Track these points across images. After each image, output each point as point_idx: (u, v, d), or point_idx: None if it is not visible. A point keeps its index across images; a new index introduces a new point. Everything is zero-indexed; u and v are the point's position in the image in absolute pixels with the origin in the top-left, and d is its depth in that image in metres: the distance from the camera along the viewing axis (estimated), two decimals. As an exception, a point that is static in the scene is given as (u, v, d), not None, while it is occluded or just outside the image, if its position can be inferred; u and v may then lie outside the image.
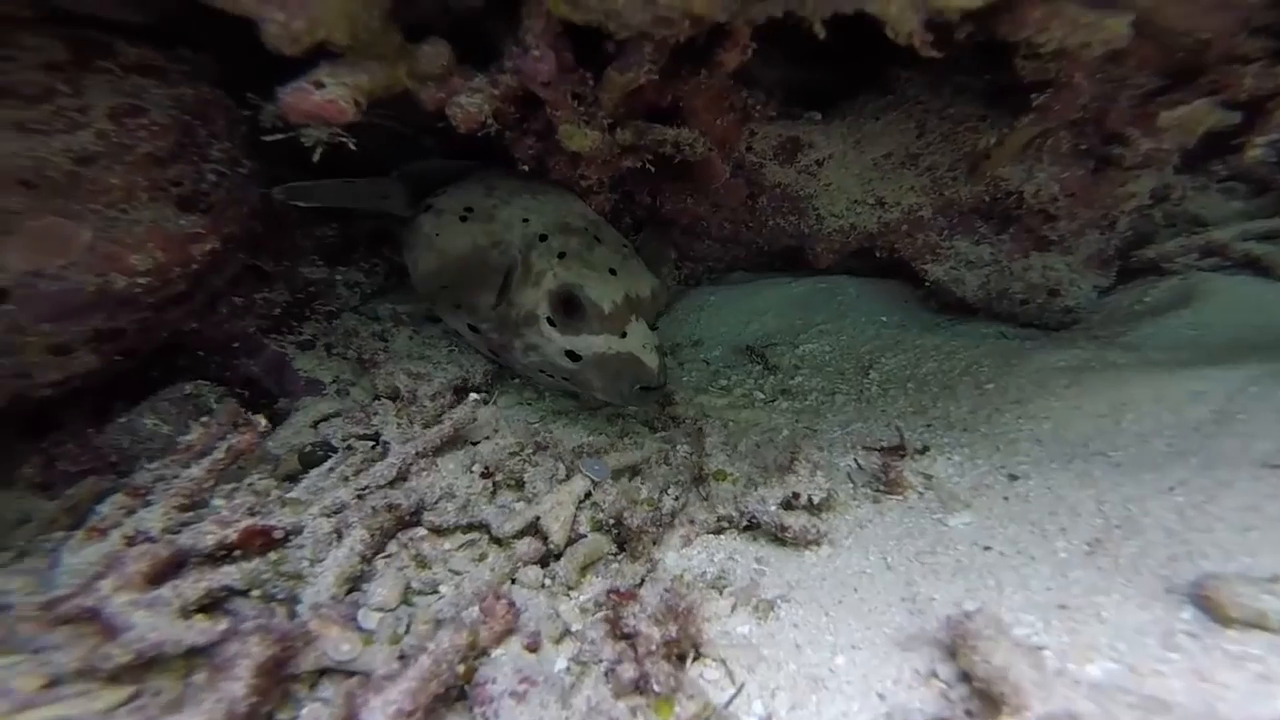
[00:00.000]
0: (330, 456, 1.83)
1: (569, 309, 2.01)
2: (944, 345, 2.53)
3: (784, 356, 2.82)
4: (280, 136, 1.67)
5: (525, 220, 2.22)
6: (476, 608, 1.39)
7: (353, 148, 1.69)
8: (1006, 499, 1.63)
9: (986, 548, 1.51)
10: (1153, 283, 2.86)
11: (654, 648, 1.29)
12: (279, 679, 1.07)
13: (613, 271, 2.06)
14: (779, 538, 1.63)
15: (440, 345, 2.54)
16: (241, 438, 1.60)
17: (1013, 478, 1.70)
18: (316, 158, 1.69)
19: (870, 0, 1.43)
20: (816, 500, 1.67)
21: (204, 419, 1.70)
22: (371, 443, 1.95)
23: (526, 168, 2.39)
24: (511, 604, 1.30)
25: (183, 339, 2.19)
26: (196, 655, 1.11)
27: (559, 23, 1.64)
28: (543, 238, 2.15)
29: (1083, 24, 1.17)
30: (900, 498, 1.70)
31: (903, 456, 1.81)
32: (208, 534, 1.32)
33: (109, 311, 1.76)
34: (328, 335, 2.61)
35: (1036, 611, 1.31)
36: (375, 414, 2.07)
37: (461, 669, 1.12)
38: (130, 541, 1.31)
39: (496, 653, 1.26)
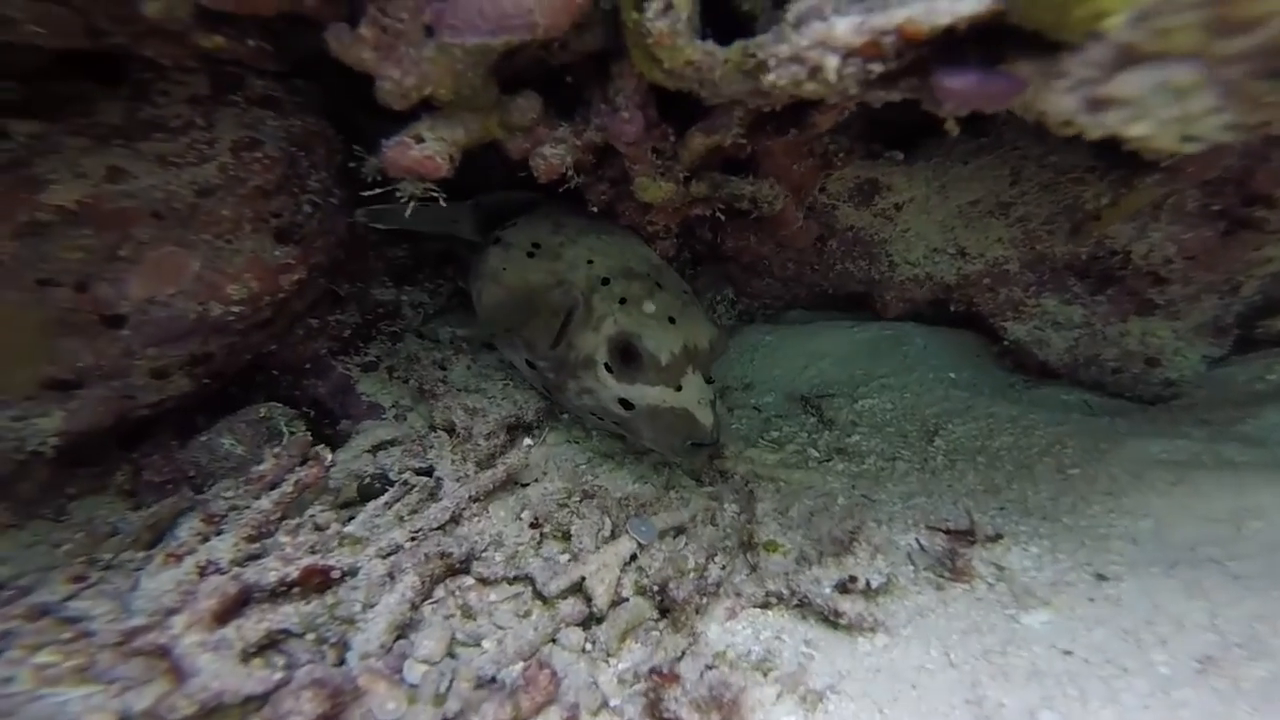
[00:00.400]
0: (387, 490, 1.88)
1: (626, 358, 2.00)
2: (1021, 418, 2.37)
3: (841, 410, 2.72)
4: (379, 191, 1.73)
5: (590, 262, 2.23)
6: (518, 667, 1.38)
7: (443, 203, 1.73)
8: (1092, 600, 1.50)
9: (1067, 652, 1.39)
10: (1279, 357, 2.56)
11: (694, 736, 1.25)
12: (325, 738, 1.10)
13: (672, 320, 2.04)
14: (831, 621, 1.56)
15: (495, 377, 2.57)
16: (309, 472, 1.67)
17: (1101, 578, 1.56)
18: (409, 213, 1.75)
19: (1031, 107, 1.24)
20: (875, 585, 1.58)
21: (276, 450, 1.78)
22: (426, 477, 1.99)
23: (596, 209, 2.41)
24: (554, 674, 1.29)
25: (262, 360, 2.30)
26: (251, 701, 1.15)
27: (648, 85, 1.64)
28: (605, 281, 2.15)
29: (1264, 104, 0.98)
30: (967, 587, 1.59)
31: (972, 543, 1.70)
32: (271, 570, 1.37)
33: (204, 337, 1.87)
34: (391, 357, 2.69)
35: (1133, 732, 1.19)
36: (431, 447, 2.12)
37: (500, 745, 1.11)
38: (202, 571, 1.39)
39: (536, 724, 1.25)
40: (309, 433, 2.16)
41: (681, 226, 2.57)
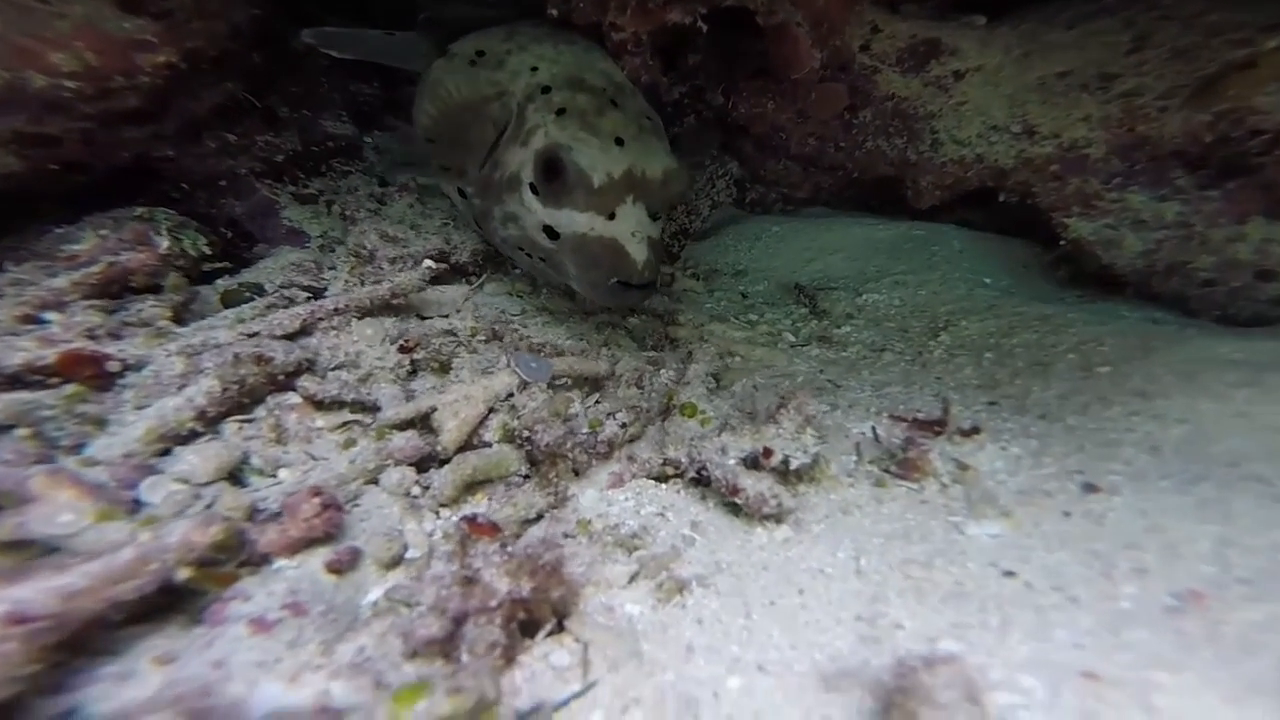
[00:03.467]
0: (254, 299, 1.60)
1: (551, 174, 1.61)
2: (1055, 317, 1.87)
3: (839, 303, 2.27)
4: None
5: (534, 69, 1.83)
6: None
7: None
8: (1068, 514, 1.11)
9: (1009, 573, 1.03)
10: None
11: (494, 604, 0.95)
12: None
13: (619, 142, 1.63)
14: (731, 504, 1.21)
15: (436, 218, 2.25)
16: (134, 257, 1.39)
17: (1089, 488, 1.16)
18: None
19: None
20: (795, 465, 1.22)
21: (102, 232, 1.50)
22: (310, 295, 1.70)
23: (554, 11, 1.97)
24: (327, 507, 1.00)
25: (153, 165, 2.02)
26: None
27: None
28: (545, 90, 1.75)
29: None
30: (914, 486, 1.21)
31: (939, 434, 1.30)
32: (20, 350, 1.11)
33: (31, 114, 1.58)
34: (334, 192, 2.41)
35: (1043, 674, 0.86)
36: (331, 268, 1.82)
37: (189, 573, 0.83)
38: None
39: (282, 563, 0.97)
40: (214, 249, 1.91)
41: (659, 43, 2.09)
